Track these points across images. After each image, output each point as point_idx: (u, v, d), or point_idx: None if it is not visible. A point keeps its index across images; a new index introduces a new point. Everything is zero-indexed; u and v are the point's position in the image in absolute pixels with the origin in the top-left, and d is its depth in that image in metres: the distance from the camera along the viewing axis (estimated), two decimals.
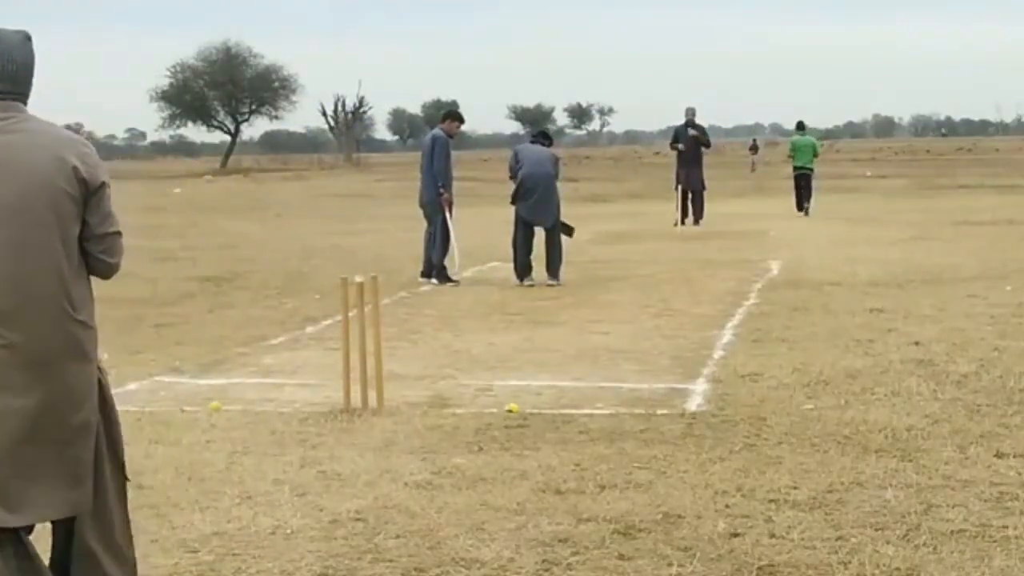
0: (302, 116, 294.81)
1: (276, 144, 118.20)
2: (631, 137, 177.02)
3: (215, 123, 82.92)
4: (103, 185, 3.60)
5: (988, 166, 51.26)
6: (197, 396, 7.67)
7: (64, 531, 3.73)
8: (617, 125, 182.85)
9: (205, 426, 6.84)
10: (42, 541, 3.79)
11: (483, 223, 19.15)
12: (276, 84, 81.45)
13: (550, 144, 14.27)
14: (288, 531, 4.97)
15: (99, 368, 3.72)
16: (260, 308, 11.93)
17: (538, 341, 9.64)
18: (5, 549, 3.57)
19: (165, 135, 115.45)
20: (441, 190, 13.78)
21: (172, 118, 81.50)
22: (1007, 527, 4.83)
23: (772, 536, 4.79)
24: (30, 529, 3.68)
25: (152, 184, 49.49)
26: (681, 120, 23.33)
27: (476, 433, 6.55)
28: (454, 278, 13.69)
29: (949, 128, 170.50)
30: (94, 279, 3.76)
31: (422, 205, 14.13)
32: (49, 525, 3.78)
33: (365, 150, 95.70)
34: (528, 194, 13.52)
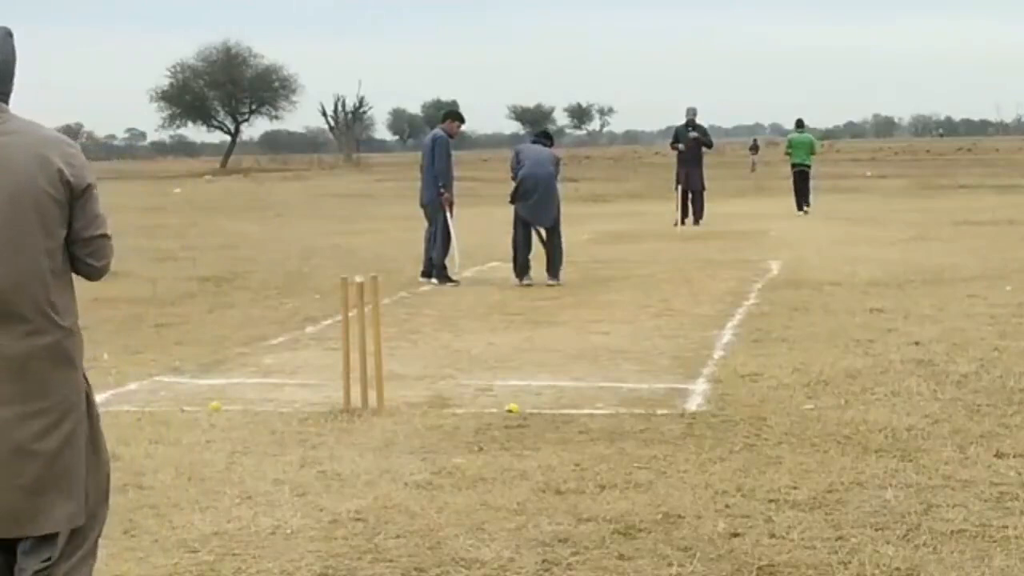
0: (302, 116, 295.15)
1: (276, 144, 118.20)
2: (631, 137, 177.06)
3: (215, 123, 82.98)
4: (89, 187, 3.47)
5: (988, 166, 51.26)
6: (197, 396, 7.67)
7: (32, 547, 3.51)
8: (617, 125, 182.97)
9: (205, 426, 6.83)
10: None
11: (483, 223, 19.14)
12: (276, 84, 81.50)
13: (551, 144, 14.28)
14: (288, 531, 4.97)
15: (84, 378, 3.58)
16: (260, 308, 11.93)
17: (538, 341, 9.64)
18: None
19: (165, 135, 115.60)
20: (442, 190, 13.79)
21: (172, 118, 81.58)
22: (1007, 527, 4.83)
23: (772, 536, 4.79)
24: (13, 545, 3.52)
25: (152, 184, 49.52)
26: (681, 120, 23.35)
27: (476, 433, 6.55)
28: (454, 278, 13.70)
29: (949, 128, 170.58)
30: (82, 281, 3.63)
31: (423, 205, 14.13)
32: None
33: (365, 150, 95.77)
34: (528, 194, 13.52)
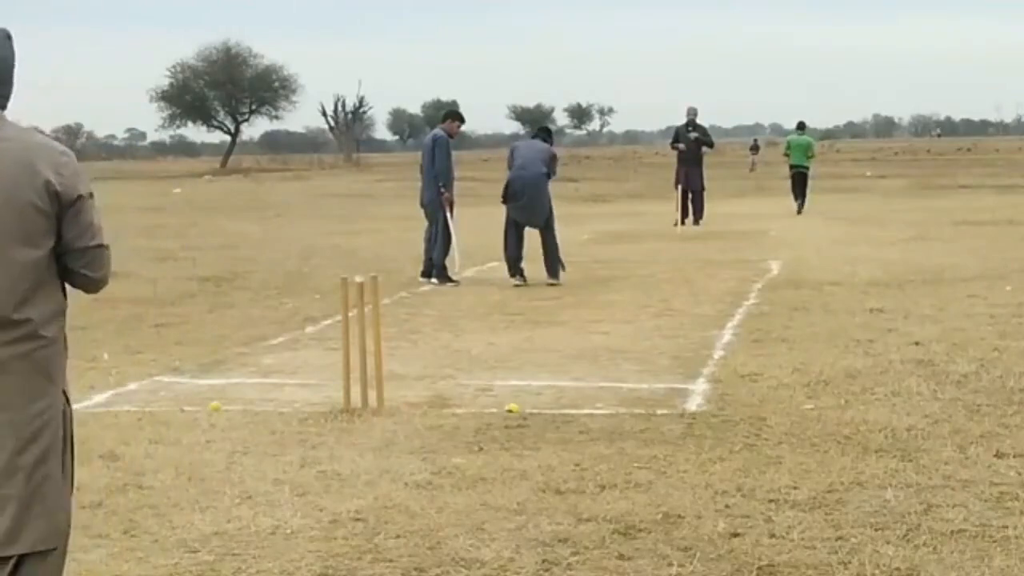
0: (302, 116, 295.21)
1: (276, 144, 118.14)
2: (631, 137, 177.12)
3: (215, 123, 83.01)
4: (80, 198, 3.33)
5: (988, 166, 51.26)
6: (197, 396, 7.67)
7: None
8: (617, 125, 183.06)
9: (205, 426, 6.83)
10: None
11: (483, 223, 19.13)
12: (276, 84, 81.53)
13: (551, 141, 14.25)
14: (288, 531, 4.97)
15: (64, 393, 3.43)
16: (260, 308, 11.93)
17: (538, 341, 9.64)
18: None
19: (165, 135, 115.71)
20: (442, 189, 13.80)
21: (172, 118, 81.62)
22: (1007, 527, 4.83)
23: (772, 536, 4.79)
24: None
25: (152, 184, 49.52)
26: (682, 120, 23.36)
27: (476, 433, 6.55)
28: (454, 278, 13.70)
29: (950, 128, 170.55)
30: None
31: (423, 205, 14.14)
32: None
33: (365, 150, 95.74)
34: (517, 196, 13.55)
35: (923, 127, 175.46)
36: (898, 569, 4.42)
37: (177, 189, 43.28)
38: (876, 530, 4.83)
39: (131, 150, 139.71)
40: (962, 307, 10.90)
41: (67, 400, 3.46)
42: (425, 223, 14.14)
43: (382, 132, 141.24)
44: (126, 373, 8.43)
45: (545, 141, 14.09)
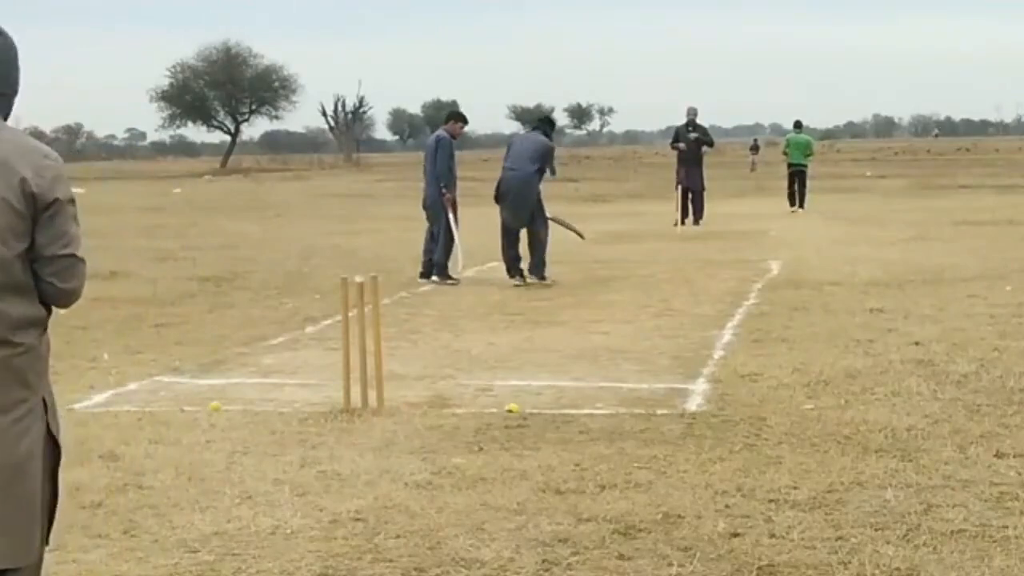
0: (302, 116, 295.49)
1: (276, 144, 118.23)
2: (631, 137, 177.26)
3: (215, 123, 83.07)
4: (56, 201, 3.21)
5: (988, 166, 51.27)
6: (197, 396, 7.67)
7: None
8: (617, 125, 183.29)
9: (205, 426, 6.83)
10: None
11: (483, 223, 19.09)
12: (276, 84, 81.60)
13: (551, 130, 14.13)
14: (288, 531, 4.97)
15: (43, 401, 3.30)
16: (260, 308, 11.93)
17: (538, 341, 9.63)
18: None
19: (165, 135, 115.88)
20: (443, 190, 13.82)
21: (172, 118, 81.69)
22: (1007, 527, 4.83)
23: (772, 536, 4.79)
24: None
25: (152, 184, 49.53)
26: (682, 120, 23.35)
27: (476, 433, 6.55)
28: (455, 276, 13.71)
29: (949, 128, 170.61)
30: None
31: (426, 207, 14.16)
32: None
33: (365, 150, 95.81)
34: (503, 196, 13.56)
35: (923, 127, 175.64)
36: (898, 569, 4.42)
37: (177, 189, 43.29)
38: (876, 530, 4.83)
39: (131, 150, 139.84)
40: (962, 307, 10.90)
41: (46, 407, 3.32)
42: (427, 223, 14.16)
43: (382, 132, 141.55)
44: (126, 373, 8.43)
45: (545, 134, 13.99)
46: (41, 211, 3.21)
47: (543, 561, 4.57)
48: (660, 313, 11.08)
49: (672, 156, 24.46)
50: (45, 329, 3.32)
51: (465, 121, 14.57)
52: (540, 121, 14.48)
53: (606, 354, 8.95)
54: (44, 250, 3.23)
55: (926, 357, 8.44)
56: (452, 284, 13.50)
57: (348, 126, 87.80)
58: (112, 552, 4.74)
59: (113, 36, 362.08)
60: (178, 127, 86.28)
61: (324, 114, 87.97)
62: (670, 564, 4.52)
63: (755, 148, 58.77)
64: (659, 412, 6.97)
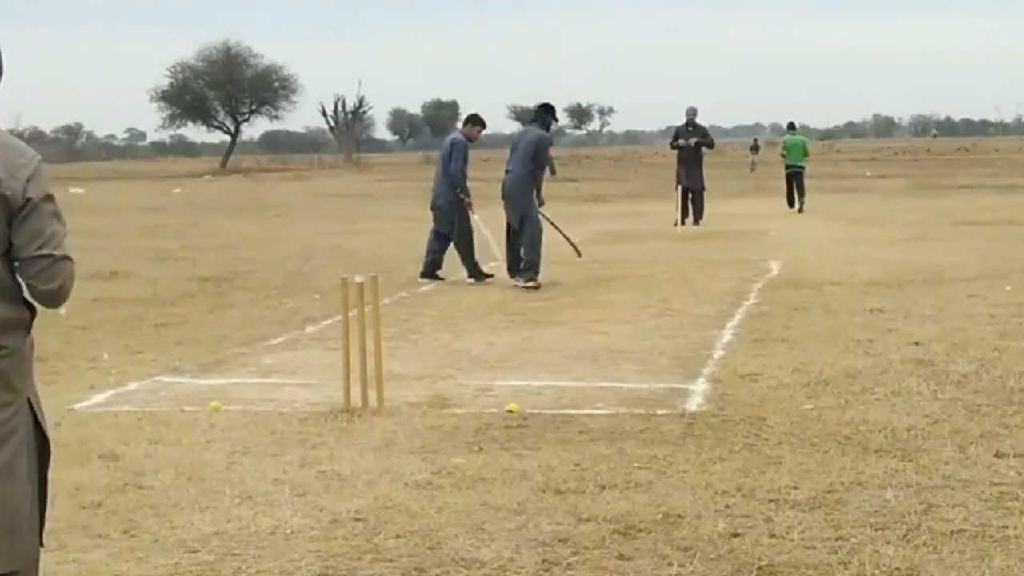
0: (302, 116, 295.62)
1: (276, 144, 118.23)
2: (631, 137, 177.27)
3: (215, 123, 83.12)
4: (29, 201, 3.15)
5: (988, 166, 51.26)
6: (197, 396, 7.67)
7: None
8: (617, 125, 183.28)
9: (205, 426, 6.83)
10: None
11: (484, 223, 19.13)
12: (276, 84, 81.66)
13: (551, 120, 14.04)
14: (288, 531, 4.97)
15: (28, 401, 3.27)
16: (260, 308, 11.93)
17: (538, 341, 9.63)
18: None
19: (165, 135, 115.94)
20: (460, 195, 13.88)
21: (172, 118, 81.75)
22: (1007, 527, 4.83)
23: (772, 536, 4.79)
24: None
25: (152, 184, 49.52)
26: (681, 120, 23.35)
27: (476, 433, 6.55)
28: (487, 272, 13.92)
29: (949, 128, 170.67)
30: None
31: (435, 207, 14.17)
32: None
33: (365, 150, 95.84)
34: (503, 197, 13.78)
35: (923, 127, 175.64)
36: (898, 569, 4.42)
37: (177, 189, 43.28)
38: (876, 530, 4.83)
39: (131, 150, 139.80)
40: (962, 307, 10.90)
41: (31, 407, 3.29)
42: (432, 224, 14.18)
43: (382, 132, 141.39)
44: (126, 373, 8.43)
45: (545, 124, 13.85)
46: (16, 212, 3.16)
47: (543, 561, 4.57)
48: (660, 313, 11.08)
49: (672, 156, 24.45)
50: (29, 330, 3.29)
51: (483, 125, 14.65)
52: (538, 111, 14.14)
53: (606, 354, 8.95)
54: (21, 252, 3.18)
55: (926, 357, 8.44)
56: (489, 281, 13.64)
57: (348, 126, 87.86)
58: (112, 552, 4.74)
59: (113, 36, 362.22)
60: (178, 127, 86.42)
61: (324, 114, 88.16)
62: (670, 564, 4.52)
63: (755, 148, 58.74)
64: (659, 412, 6.96)
